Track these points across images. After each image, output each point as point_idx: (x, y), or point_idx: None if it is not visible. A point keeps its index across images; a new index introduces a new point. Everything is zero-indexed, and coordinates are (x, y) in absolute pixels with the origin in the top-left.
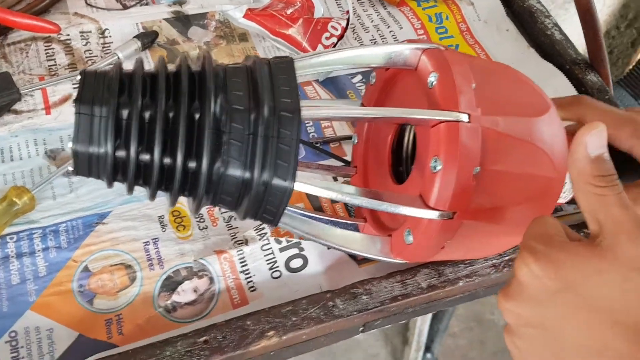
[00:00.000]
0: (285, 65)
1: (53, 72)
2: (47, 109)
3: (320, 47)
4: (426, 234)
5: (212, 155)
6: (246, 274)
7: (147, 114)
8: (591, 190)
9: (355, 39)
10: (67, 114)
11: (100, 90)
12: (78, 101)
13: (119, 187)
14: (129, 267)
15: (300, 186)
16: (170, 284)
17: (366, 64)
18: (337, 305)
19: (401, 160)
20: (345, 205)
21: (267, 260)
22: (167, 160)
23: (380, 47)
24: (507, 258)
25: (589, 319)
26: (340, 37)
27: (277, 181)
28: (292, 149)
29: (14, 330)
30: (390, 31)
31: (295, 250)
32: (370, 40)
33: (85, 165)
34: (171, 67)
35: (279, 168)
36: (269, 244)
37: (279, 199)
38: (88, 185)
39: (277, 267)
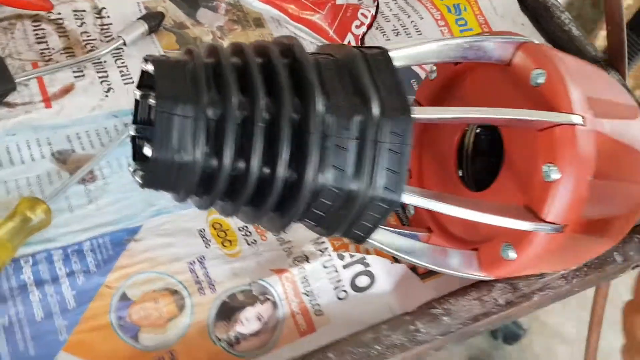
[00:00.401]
0: (383, 58)
1: (46, 57)
2: (47, 101)
3: (350, 37)
4: (534, 250)
5: (318, 165)
6: (309, 296)
7: (239, 114)
8: None
9: (377, 28)
10: (71, 108)
11: (184, 83)
12: (159, 97)
13: (147, 195)
14: (175, 292)
15: (407, 198)
16: (227, 311)
17: (450, 57)
18: (420, 329)
19: (460, 164)
20: (397, 213)
21: (330, 279)
22: (265, 170)
23: (467, 38)
24: (573, 268)
25: None
26: (370, 25)
27: (385, 193)
28: (403, 156)
29: None
30: (412, 21)
31: (360, 267)
32: (393, 30)
33: (161, 176)
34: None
35: (388, 178)
36: (331, 259)
37: (381, 213)
38: (109, 195)
39: (343, 286)
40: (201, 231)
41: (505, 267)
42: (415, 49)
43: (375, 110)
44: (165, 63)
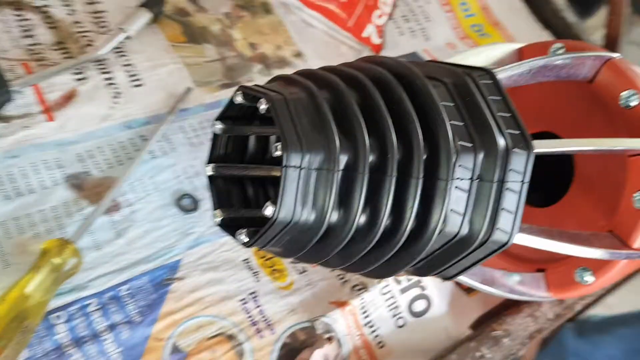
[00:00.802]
0: (492, 82)
1: (37, 55)
2: (47, 112)
3: (370, 28)
4: (614, 275)
5: (442, 213)
6: (370, 327)
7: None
8: None
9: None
10: (77, 120)
11: (310, 129)
12: (287, 149)
13: (180, 223)
14: (230, 337)
15: (519, 238)
16: (288, 353)
17: (544, 78)
18: (485, 356)
19: None
20: None
21: (388, 307)
22: (388, 223)
23: (560, 58)
24: None
25: None
26: (391, 14)
27: (498, 235)
28: (521, 195)
29: None
30: (419, 6)
31: (417, 291)
32: (402, 17)
33: (276, 236)
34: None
35: (504, 219)
36: (388, 285)
37: (487, 254)
38: (138, 226)
39: (400, 312)
40: (246, 261)
41: (578, 290)
42: (517, 70)
43: (501, 148)
44: (282, 104)
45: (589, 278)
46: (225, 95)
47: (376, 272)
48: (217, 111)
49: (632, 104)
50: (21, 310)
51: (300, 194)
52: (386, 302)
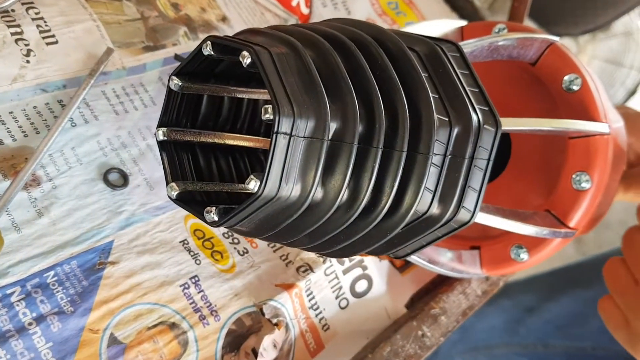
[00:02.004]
0: (459, 55)
1: None
2: None
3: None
4: (547, 252)
5: (418, 191)
6: (316, 310)
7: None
8: None
9: None
10: None
11: (296, 90)
12: (280, 114)
13: (109, 201)
14: (173, 326)
15: (480, 217)
16: (234, 341)
17: (493, 57)
18: (426, 334)
19: None
20: None
21: (332, 288)
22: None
23: (506, 37)
24: None
25: None
26: None
27: (461, 214)
28: (485, 172)
29: None
30: None
31: (359, 271)
32: None
33: (252, 215)
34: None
35: (467, 197)
36: (332, 265)
37: (448, 232)
38: (61, 203)
39: (343, 293)
40: (184, 242)
41: (512, 267)
42: (479, 44)
43: (474, 124)
44: (270, 58)
45: (524, 255)
46: (150, 58)
47: (340, 251)
48: (139, 76)
49: (575, 87)
50: None
51: (287, 165)
52: (330, 284)
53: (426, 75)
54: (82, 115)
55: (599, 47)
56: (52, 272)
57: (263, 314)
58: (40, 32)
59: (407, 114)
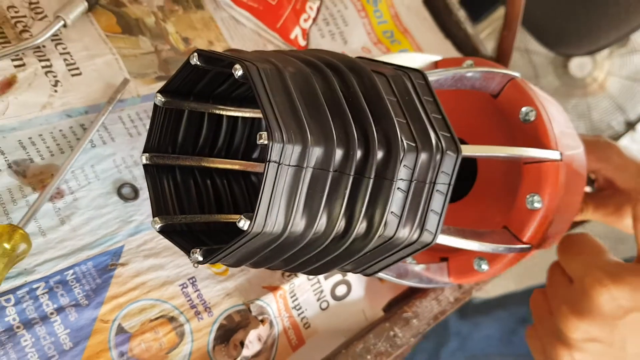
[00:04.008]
0: (424, 82)
1: None
2: None
3: (297, 30)
4: (504, 265)
5: (385, 215)
6: (298, 310)
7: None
8: None
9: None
10: (18, 107)
11: (292, 116)
12: (272, 138)
13: (121, 212)
14: (172, 319)
15: (441, 238)
16: (225, 334)
17: (458, 87)
18: (397, 335)
19: None
20: None
21: (314, 291)
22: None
23: (474, 70)
24: None
25: None
26: (315, 19)
27: (424, 236)
28: (446, 196)
29: None
30: (338, 11)
31: (339, 277)
32: (323, 20)
33: (239, 252)
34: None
35: (429, 220)
36: None
37: (412, 253)
38: (81, 213)
39: (324, 296)
40: None
41: (475, 277)
42: (442, 76)
43: (437, 149)
44: (258, 76)
45: (485, 266)
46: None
47: (313, 271)
48: (151, 103)
49: (530, 118)
50: None
51: (274, 198)
52: (312, 287)
53: (394, 99)
54: (100, 137)
55: (617, 64)
56: (71, 271)
57: (250, 312)
58: (67, 65)
59: (376, 142)
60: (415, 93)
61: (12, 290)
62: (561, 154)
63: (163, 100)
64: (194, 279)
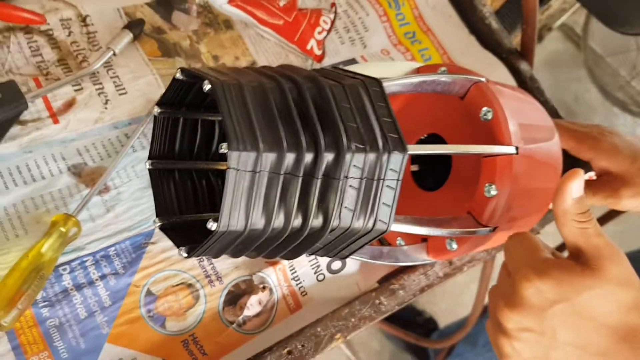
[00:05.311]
0: (379, 89)
1: (44, 71)
2: (53, 116)
3: (312, 42)
4: (470, 244)
5: (339, 210)
6: (297, 281)
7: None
8: (575, 225)
9: None
10: (76, 122)
11: (248, 127)
12: (232, 148)
13: (153, 203)
14: (190, 285)
15: (394, 226)
16: (232, 298)
17: (424, 90)
18: (383, 303)
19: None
20: None
21: (311, 265)
22: (297, 223)
23: (438, 76)
24: None
25: (579, 324)
26: (329, 30)
27: (378, 225)
28: (396, 190)
29: None
30: (359, 18)
31: None
32: (344, 27)
33: (214, 247)
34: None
35: (381, 212)
36: None
37: (370, 239)
38: (123, 203)
39: (321, 270)
40: None
41: (447, 255)
42: (401, 81)
43: (383, 149)
44: (221, 89)
45: (454, 245)
46: None
47: (285, 256)
48: None
49: (488, 117)
50: (38, 264)
51: (234, 200)
52: (310, 262)
53: (348, 106)
54: (140, 143)
55: None
56: (112, 248)
57: (253, 281)
58: (116, 86)
59: (324, 147)
60: (368, 99)
61: (68, 262)
62: (517, 148)
63: (159, 111)
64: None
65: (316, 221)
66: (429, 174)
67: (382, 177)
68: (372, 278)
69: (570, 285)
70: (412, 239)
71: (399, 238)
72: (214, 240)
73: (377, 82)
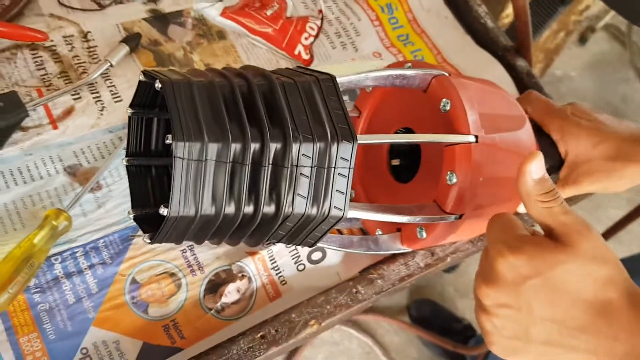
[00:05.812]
0: (332, 84)
1: (47, 82)
2: (53, 123)
3: (300, 47)
4: (438, 232)
5: (291, 198)
6: (276, 270)
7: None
8: (539, 205)
9: (322, 32)
10: (74, 128)
11: (194, 119)
12: (177, 138)
13: None
14: (173, 274)
15: (350, 213)
16: (213, 287)
17: (382, 84)
18: (360, 291)
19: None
20: None
21: (292, 256)
22: (249, 209)
23: (396, 70)
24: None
25: (555, 298)
26: (316, 36)
27: (334, 212)
28: (348, 178)
29: (85, 347)
30: (351, 23)
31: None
32: (335, 33)
33: (173, 232)
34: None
35: (335, 198)
36: None
37: (329, 226)
38: (114, 200)
39: (301, 261)
40: None
41: (419, 243)
42: (356, 77)
43: (332, 139)
44: (170, 87)
45: (424, 234)
46: None
47: (246, 243)
48: None
49: (447, 108)
50: (30, 253)
51: (183, 187)
52: (290, 253)
53: (300, 100)
54: None
55: None
56: (102, 240)
57: (232, 270)
58: (112, 94)
59: (269, 137)
60: (319, 93)
61: (60, 253)
62: (477, 136)
63: (131, 111)
64: (192, 246)
65: (268, 208)
66: (409, 168)
67: (333, 166)
68: (354, 269)
69: (542, 260)
70: (388, 228)
71: (378, 229)
72: (169, 226)
73: (331, 77)
